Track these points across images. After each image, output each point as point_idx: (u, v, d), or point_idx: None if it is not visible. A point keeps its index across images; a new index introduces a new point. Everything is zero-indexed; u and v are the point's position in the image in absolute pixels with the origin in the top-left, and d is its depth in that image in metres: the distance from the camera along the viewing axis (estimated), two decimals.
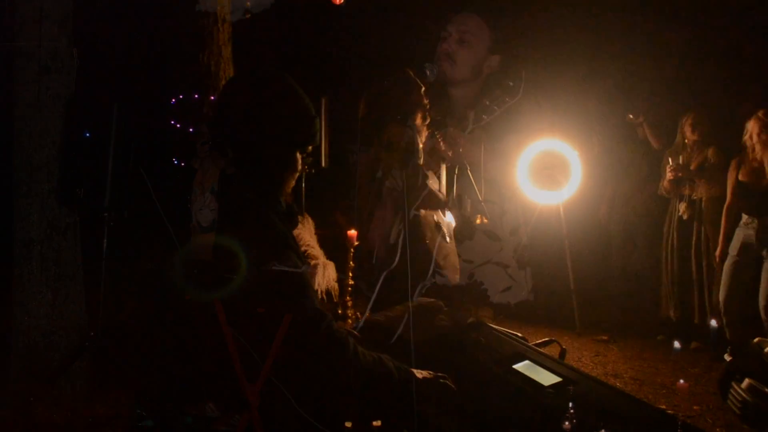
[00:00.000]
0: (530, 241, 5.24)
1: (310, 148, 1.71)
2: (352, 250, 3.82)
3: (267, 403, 1.52)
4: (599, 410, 1.60)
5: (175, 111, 4.71)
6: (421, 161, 3.29)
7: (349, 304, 4.09)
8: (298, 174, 1.70)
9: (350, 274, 3.99)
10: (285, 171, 1.66)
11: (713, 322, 4.36)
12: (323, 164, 4.81)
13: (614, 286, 5.53)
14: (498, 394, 1.78)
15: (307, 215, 3.50)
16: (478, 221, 4.14)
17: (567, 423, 1.51)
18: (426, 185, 3.27)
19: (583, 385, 1.76)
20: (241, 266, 1.50)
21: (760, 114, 4.20)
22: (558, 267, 5.25)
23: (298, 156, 1.68)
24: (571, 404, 1.60)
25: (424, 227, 3.35)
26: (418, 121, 3.34)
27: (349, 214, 3.72)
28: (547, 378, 1.80)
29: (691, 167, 4.63)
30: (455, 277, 3.47)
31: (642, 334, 5.00)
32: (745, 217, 4.29)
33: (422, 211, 3.35)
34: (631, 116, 5.15)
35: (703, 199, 4.57)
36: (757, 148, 4.20)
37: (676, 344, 4.44)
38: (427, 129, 3.42)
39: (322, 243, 3.48)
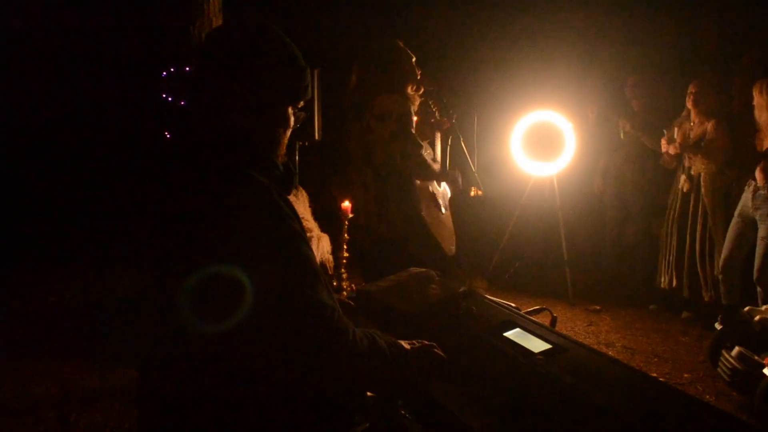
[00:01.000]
0: (524, 213, 5.27)
1: (302, 102, 1.60)
2: (346, 222, 3.83)
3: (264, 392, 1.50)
4: (590, 377, 1.61)
5: (167, 84, 4.66)
6: (414, 131, 3.28)
7: (344, 276, 4.12)
8: (290, 131, 1.60)
9: (345, 247, 4.01)
10: (278, 129, 1.56)
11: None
12: (317, 137, 4.79)
13: (607, 257, 5.56)
14: (488, 361, 1.79)
15: (301, 188, 3.49)
16: (472, 193, 4.14)
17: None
18: (420, 155, 3.25)
19: (574, 353, 1.77)
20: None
21: (762, 83, 4.18)
22: (552, 239, 5.28)
23: (290, 111, 1.57)
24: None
25: (420, 198, 3.35)
26: (410, 90, 3.32)
27: (344, 187, 3.72)
28: (537, 345, 1.81)
29: (690, 141, 4.60)
30: (451, 248, 3.48)
31: (634, 304, 5.04)
32: (749, 181, 4.30)
33: (418, 182, 3.34)
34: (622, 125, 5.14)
35: (702, 173, 4.54)
36: (756, 114, 4.20)
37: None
38: (420, 98, 3.40)
39: (317, 216, 3.48)
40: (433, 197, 3.42)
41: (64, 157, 5.73)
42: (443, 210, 3.48)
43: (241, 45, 1.51)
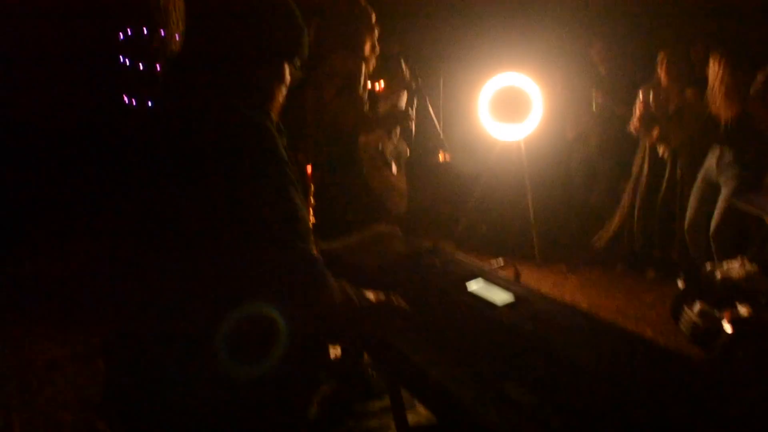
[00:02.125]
0: (491, 176, 5.28)
1: (299, 61, 1.58)
2: (312, 186, 3.79)
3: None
4: (551, 326, 1.62)
5: (124, 48, 4.53)
6: (363, 89, 3.23)
7: (312, 240, 4.09)
8: (287, 89, 1.58)
9: (311, 211, 3.97)
10: (275, 83, 1.54)
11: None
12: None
13: (574, 219, 5.61)
14: (451, 313, 1.79)
15: None
16: (441, 158, 4.12)
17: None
18: (362, 110, 3.20)
19: (536, 303, 1.78)
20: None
21: (717, 51, 4.21)
22: (519, 201, 5.30)
23: (287, 67, 1.56)
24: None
25: (363, 155, 3.32)
26: (367, 49, 3.27)
27: (310, 153, 3.67)
28: (500, 297, 1.82)
29: (666, 109, 4.61)
30: (400, 209, 3.46)
31: (601, 265, 5.09)
32: (713, 145, 4.35)
33: (362, 138, 3.30)
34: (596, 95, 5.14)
35: (678, 141, 4.57)
36: (717, 78, 4.22)
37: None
38: (375, 59, 3.35)
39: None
40: (381, 156, 3.39)
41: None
42: (394, 169, 3.45)
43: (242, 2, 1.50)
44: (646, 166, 4.78)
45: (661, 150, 4.67)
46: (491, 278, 1.97)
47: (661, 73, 4.64)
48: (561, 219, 5.66)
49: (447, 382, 1.46)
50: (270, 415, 1.49)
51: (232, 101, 1.44)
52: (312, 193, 3.85)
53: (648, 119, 4.65)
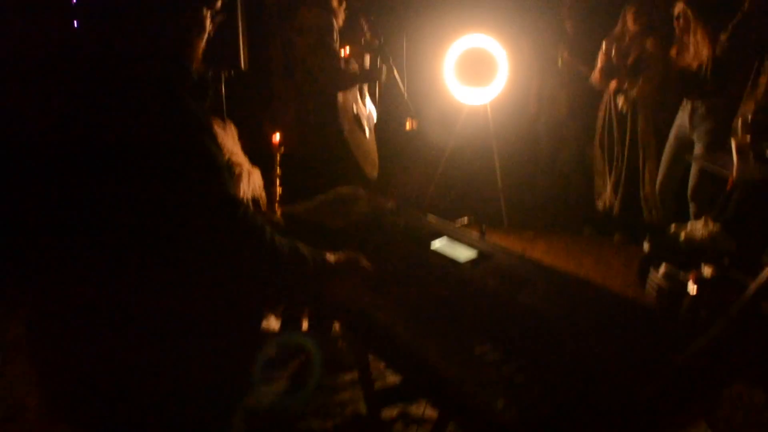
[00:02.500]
0: (460, 141, 5.22)
1: (219, 4, 1.47)
2: (278, 156, 3.70)
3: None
4: (514, 280, 1.59)
5: (79, 11, 4.33)
6: (337, 44, 3.15)
7: (278, 212, 4.00)
8: (206, 36, 1.47)
9: (277, 182, 3.88)
10: (191, 30, 1.43)
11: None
12: (242, 66, 4.57)
13: (542, 183, 5.60)
14: (415, 271, 1.74)
15: (229, 121, 3.34)
16: (408, 126, 4.05)
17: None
18: (337, 65, 3.12)
19: (500, 259, 1.75)
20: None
21: (679, 3, 4.18)
22: (486, 166, 5.26)
23: (206, 12, 1.45)
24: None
25: (342, 117, 3.24)
26: (334, 3, 3.18)
27: (275, 122, 3.57)
28: (464, 254, 1.78)
29: (629, 60, 4.58)
30: (372, 173, 3.41)
31: (569, 229, 5.11)
32: (683, 101, 4.34)
33: (340, 98, 3.23)
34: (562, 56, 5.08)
35: (640, 93, 4.54)
36: (687, 31, 4.20)
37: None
38: (344, 13, 3.26)
39: (247, 153, 3.33)
40: (357, 119, 3.32)
41: None
42: (367, 132, 3.39)
43: None
44: (611, 122, 4.77)
45: (621, 103, 4.65)
46: (455, 236, 1.93)
47: (627, 23, 4.61)
48: (529, 183, 5.65)
49: (413, 341, 1.42)
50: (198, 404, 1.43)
51: (142, 67, 1.35)
52: (278, 162, 3.78)
53: (608, 70, 4.63)
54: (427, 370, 1.34)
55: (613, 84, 4.63)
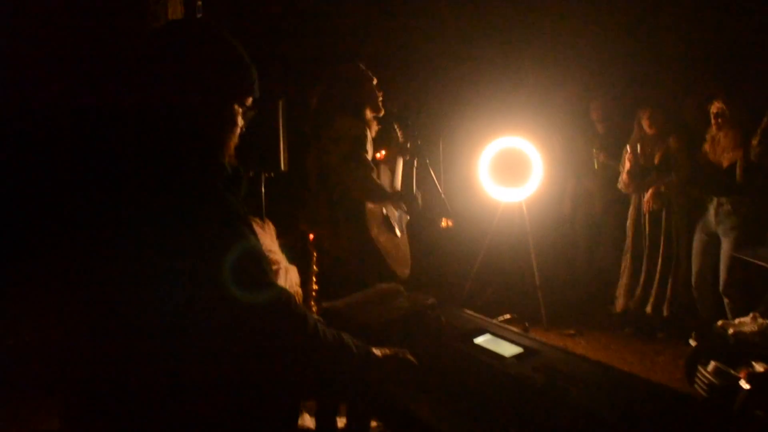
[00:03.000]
0: (496, 239, 5.25)
1: (249, 100, 1.54)
2: (315, 254, 3.76)
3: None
4: (562, 376, 1.56)
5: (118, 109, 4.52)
6: (369, 154, 3.25)
7: (314, 309, 4.02)
8: (239, 130, 1.54)
9: (314, 279, 3.92)
10: (223, 127, 1.50)
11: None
12: (282, 167, 4.73)
13: (581, 281, 5.55)
14: (460, 368, 1.72)
15: (267, 220, 3.42)
16: (443, 224, 4.10)
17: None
18: (369, 177, 3.22)
19: (546, 354, 1.72)
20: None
21: (717, 102, 4.28)
22: (523, 264, 5.25)
23: (237, 109, 1.51)
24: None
25: (370, 220, 3.30)
26: (368, 114, 3.31)
27: (312, 220, 3.66)
28: (509, 350, 1.76)
29: (655, 160, 4.66)
30: (404, 271, 3.42)
31: (609, 328, 5.00)
32: (709, 197, 4.39)
33: (370, 205, 3.31)
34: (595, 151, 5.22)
35: (672, 188, 4.60)
36: (722, 128, 4.30)
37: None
38: (378, 123, 3.39)
39: (284, 251, 3.40)
40: (386, 220, 3.38)
41: None
42: (398, 233, 3.43)
43: (182, 42, 1.46)
44: (641, 223, 4.80)
45: (654, 203, 4.68)
46: (498, 332, 1.92)
47: (644, 128, 4.71)
48: (566, 280, 5.60)
49: None
50: None
51: (179, 161, 1.40)
52: (314, 261, 3.83)
53: (635, 173, 4.69)
54: None
55: (646, 183, 4.69)
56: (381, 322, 2.05)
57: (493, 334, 1.88)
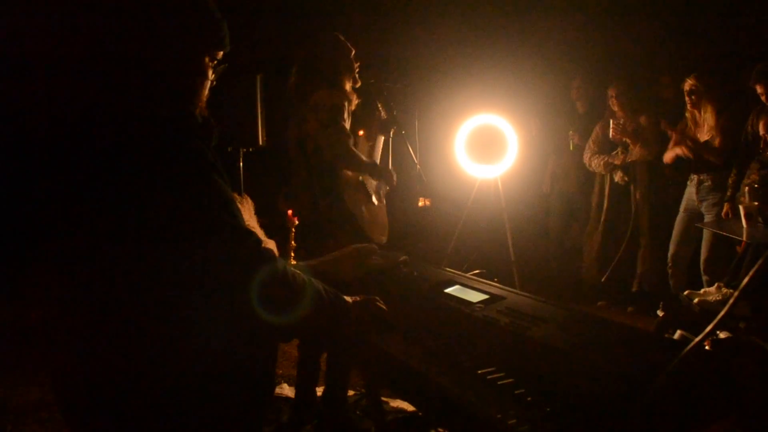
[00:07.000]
0: (471, 216, 5.32)
1: (220, 53, 1.58)
2: (293, 230, 3.80)
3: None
4: (526, 317, 1.63)
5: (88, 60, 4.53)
6: (347, 123, 3.29)
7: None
8: (209, 83, 1.58)
9: (292, 254, 3.97)
10: (194, 78, 1.54)
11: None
12: (260, 142, 4.74)
13: (554, 256, 5.65)
14: (429, 312, 1.80)
15: (246, 196, 3.45)
16: (420, 204, 4.16)
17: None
18: (346, 144, 3.26)
19: (511, 299, 1.79)
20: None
21: (690, 80, 4.39)
22: (499, 240, 5.33)
23: (208, 62, 1.55)
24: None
25: (346, 186, 3.35)
26: (347, 86, 3.35)
27: (290, 199, 3.69)
28: (476, 297, 1.83)
29: (626, 138, 4.77)
30: (381, 239, 3.48)
31: (582, 301, 5.11)
32: (690, 175, 4.50)
33: (348, 173, 3.36)
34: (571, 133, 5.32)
35: (638, 163, 4.71)
36: (694, 110, 4.40)
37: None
38: (358, 96, 3.43)
39: (263, 227, 3.43)
40: (362, 187, 3.43)
41: None
42: (375, 201, 3.48)
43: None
44: (606, 200, 4.93)
45: (618, 177, 4.80)
46: (468, 283, 1.99)
47: (615, 106, 4.83)
48: (541, 256, 5.70)
49: (426, 371, 1.46)
50: None
51: (149, 111, 1.44)
52: (293, 236, 3.87)
53: (600, 147, 4.81)
54: (440, 396, 1.38)
55: (617, 158, 4.80)
56: (355, 276, 2.11)
57: (463, 285, 1.95)
